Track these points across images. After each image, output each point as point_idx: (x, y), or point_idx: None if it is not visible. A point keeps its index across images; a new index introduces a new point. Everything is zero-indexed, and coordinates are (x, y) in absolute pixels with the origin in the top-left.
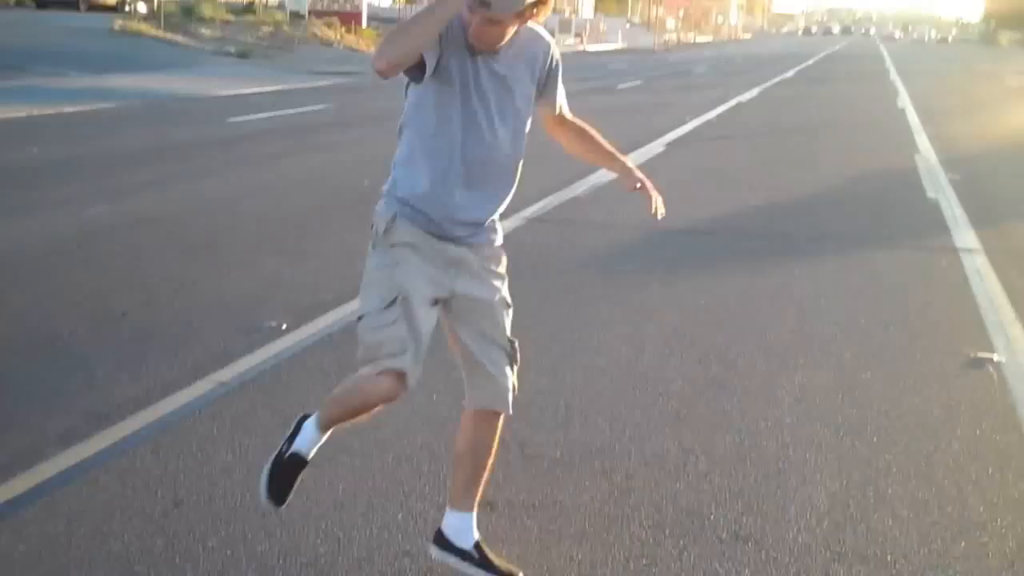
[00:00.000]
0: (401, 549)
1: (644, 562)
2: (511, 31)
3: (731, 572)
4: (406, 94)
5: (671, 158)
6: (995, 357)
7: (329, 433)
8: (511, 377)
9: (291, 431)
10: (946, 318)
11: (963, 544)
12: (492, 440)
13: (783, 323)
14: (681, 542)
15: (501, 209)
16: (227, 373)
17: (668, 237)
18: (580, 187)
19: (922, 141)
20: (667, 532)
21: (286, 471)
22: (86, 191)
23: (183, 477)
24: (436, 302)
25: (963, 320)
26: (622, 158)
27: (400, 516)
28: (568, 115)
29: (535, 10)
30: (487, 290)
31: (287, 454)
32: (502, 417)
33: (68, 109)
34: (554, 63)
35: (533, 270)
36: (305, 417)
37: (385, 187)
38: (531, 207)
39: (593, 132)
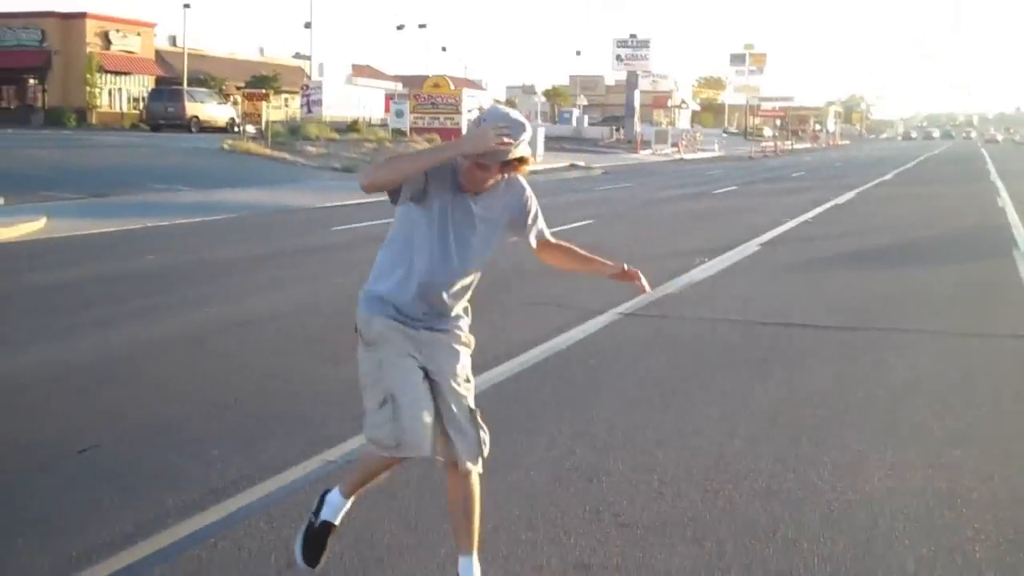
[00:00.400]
0: None
1: None
2: (495, 178)
3: None
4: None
5: (766, 257)
6: None
7: (353, 499)
8: (477, 438)
9: (316, 504)
10: None
11: None
12: (471, 491)
13: (874, 406)
14: None
15: (458, 309)
16: (334, 453)
17: (761, 330)
18: (673, 285)
19: (1020, 236)
20: None
21: (317, 537)
22: (199, 294)
23: (294, 543)
24: (425, 373)
25: None
26: (600, 259)
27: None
28: (551, 239)
29: (517, 165)
30: (451, 366)
31: (317, 523)
32: (474, 472)
33: (181, 221)
34: (530, 203)
35: (628, 361)
36: (327, 491)
37: (361, 290)
38: (626, 304)
39: (575, 248)
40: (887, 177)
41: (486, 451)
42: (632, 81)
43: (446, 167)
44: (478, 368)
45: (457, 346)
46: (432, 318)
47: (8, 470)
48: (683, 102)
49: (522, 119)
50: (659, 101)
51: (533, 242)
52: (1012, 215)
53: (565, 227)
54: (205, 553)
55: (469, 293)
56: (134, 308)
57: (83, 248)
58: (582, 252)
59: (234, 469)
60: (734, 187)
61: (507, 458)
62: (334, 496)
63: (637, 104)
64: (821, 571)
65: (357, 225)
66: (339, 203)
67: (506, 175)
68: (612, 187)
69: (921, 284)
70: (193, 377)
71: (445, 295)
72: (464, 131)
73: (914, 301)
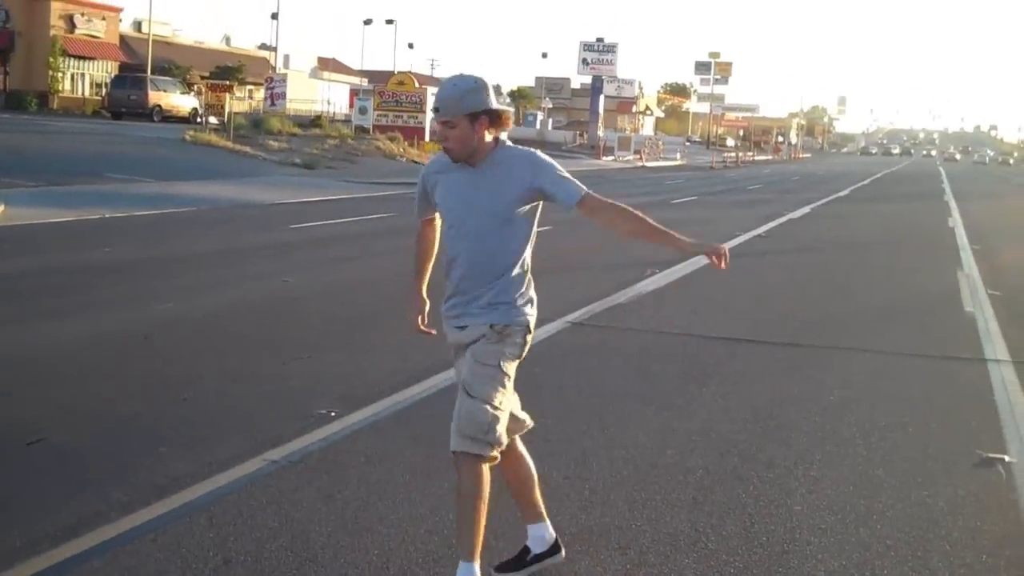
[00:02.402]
0: None
1: None
2: (469, 135)
3: None
4: None
5: (715, 271)
6: (1007, 458)
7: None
8: (459, 421)
9: None
10: (965, 422)
11: None
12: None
13: (807, 424)
14: None
15: (488, 298)
16: (278, 453)
17: (705, 344)
18: (623, 295)
19: (967, 257)
20: None
21: None
22: (154, 288)
23: (232, 540)
24: None
25: (981, 424)
26: (674, 233)
27: None
28: (598, 199)
29: (487, 121)
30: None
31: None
32: (462, 456)
33: (138, 213)
34: (538, 165)
35: (572, 370)
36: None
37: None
38: (575, 312)
39: (632, 211)
40: (843, 193)
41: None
42: (597, 86)
43: (440, 158)
44: (422, 375)
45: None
46: (456, 318)
47: None
48: (647, 108)
49: (447, 81)
50: (623, 107)
51: (568, 206)
52: (961, 236)
53: None
54: (144, 548)
55: (498, 282)
56: (88, 300)
57: (40, 237)
58: (645, 220)
59: (180, 465)
60: (693, 197)
61: (444, 464)
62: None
63: (601, 109)
64: None
65: (317, 223)
66: (298, 200)
67: (497, 140)
68: None
69: (864, 302)
70: (144, 372)
71: (469, 287)
72: (428, 129)
73: (856, 319)
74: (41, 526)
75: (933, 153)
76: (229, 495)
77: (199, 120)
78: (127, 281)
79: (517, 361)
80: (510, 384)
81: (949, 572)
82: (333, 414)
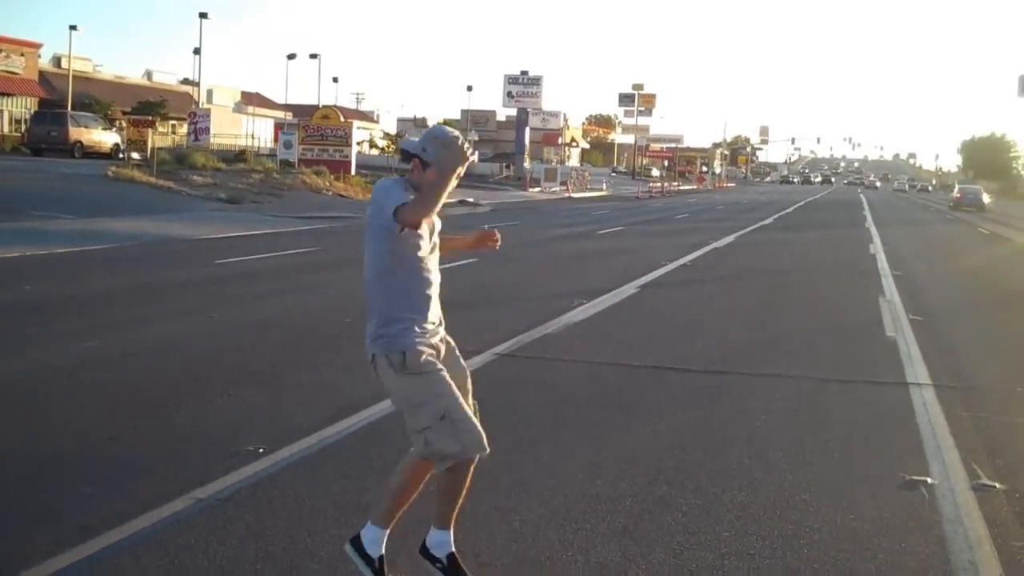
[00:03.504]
0: None
1: None
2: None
3: None
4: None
5: (643, 300)
6: (929, 480)
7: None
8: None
9: (359, 556)
10: (888, 445)
11: None
12: (468, 475)
13: (732, 449)
14: None
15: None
16: (205, 491)
17: (632, 372)
18: (551, 326)
19: (888, 284)
20: None
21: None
22: (77, 327)
23: None
24: None
25: (904, 447)
26: (456, 236)
27: None
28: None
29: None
30: (461, 366)
31: (377, 564)
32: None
33: (60, 250)
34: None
35: (501, 402)
36: (355, 538)
37: (379, 326)
38: (502, 344)
39: None
40: (767, 221)
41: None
42: (522, 118)
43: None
44: (352, 409)
45: (454, 344)
46: (439, 325)
47: None
48: (573, 140)
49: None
50: (549, 139)
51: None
52: (882, 263)
53: (447, 266)
54: None
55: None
56: (9, 339)
57: None
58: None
59: (106, 506)
60: (619, 228)
61: (365, 501)
62: (369, 532)
63: (527, 141)
64: None
65: (242, 258)
66: (223, 235)
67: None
68: (499, 224)
69: (788, 329)
70: (68, 412)
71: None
72: (354, 163)
73: (781, 346)
74: None
75: (855, 180)
76: (156, 534)
77: (121, 156)
78: (49, 319)
79: None
80: None
81: None
82: (261, 450)
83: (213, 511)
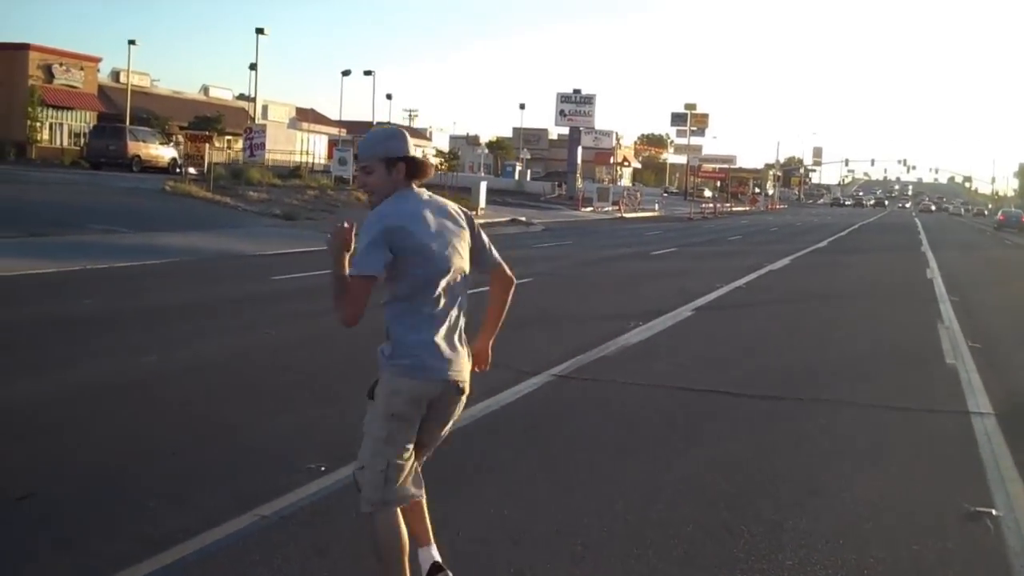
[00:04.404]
0: None
1: None
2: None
3: None
4: None
5: (698, 322)
6: (994, 512)
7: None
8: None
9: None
10: (950, 475)
11: None
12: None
13: (792, 476)
14: None
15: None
16: (268, 508)
17: (689, 396)
18: (608, 347)
19: (946, 310)
20: None
21: None
22: (137, 341)
23: None
24: None
25: (967, 477)
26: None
27: None
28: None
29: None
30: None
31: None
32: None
33: (120, 264)
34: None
35: (559, 424)
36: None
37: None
38: (559, 365)
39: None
40: (822, 244)
41: None
42: (575, 137)
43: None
44: None
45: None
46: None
47: None
48: (625, 159)
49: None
50: (601, 158)
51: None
52: (940, 288)
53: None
54: None
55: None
56: (71, 353)
57: (19, 289)
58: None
59: (170, 521)
60: (672, 248)
61: (436, 518)
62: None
63: (579, 160)
64: None
65: (297, 275)
66: (279, 251)
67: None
68: (552, 244)
69: (846, 354)
70: (131, 426)
71: None
72: None
73: (838, 371)
74: None
75: (908, 205)
76: (221, 551)
77: (178, 171)
78: (109, 333)
79: None
80: None
81: None
82: (323, 468)
83: (277, 528)
